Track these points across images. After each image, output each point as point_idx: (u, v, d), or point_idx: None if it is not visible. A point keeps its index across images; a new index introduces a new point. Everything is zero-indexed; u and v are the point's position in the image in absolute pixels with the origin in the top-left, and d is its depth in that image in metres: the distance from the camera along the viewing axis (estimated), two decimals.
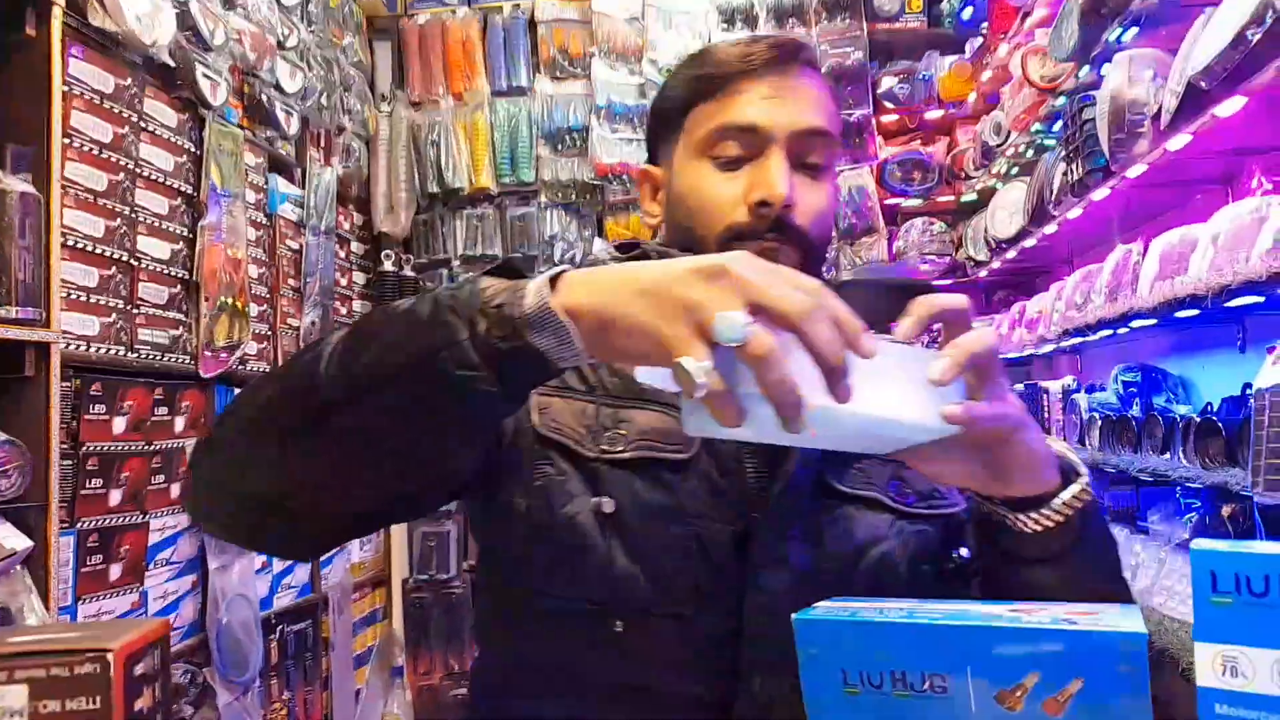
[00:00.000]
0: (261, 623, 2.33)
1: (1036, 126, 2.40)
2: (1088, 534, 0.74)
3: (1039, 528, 0.72)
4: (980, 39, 3.11)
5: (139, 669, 0.51)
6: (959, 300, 0.68)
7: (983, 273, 3.13)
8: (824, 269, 0.97)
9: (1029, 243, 2.60)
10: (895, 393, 0.61)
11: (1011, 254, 2.78)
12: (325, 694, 2.68)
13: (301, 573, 2.59)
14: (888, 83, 3.33)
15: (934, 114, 3.35)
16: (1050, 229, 2.36)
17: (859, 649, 0.58)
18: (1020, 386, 2.88)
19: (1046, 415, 2.65)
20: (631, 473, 0.81)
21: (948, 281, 3.31)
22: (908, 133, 3.42)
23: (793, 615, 0.59)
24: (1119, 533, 2.19)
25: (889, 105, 3.35)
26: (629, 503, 0.80)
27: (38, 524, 1.62)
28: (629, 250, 0.95)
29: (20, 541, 1.55)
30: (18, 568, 1.57)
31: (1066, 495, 0.73)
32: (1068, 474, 0.75)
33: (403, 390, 0.64)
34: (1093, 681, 0.54)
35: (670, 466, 0.82)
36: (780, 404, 0.55)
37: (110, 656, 0.49)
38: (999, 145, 2.72)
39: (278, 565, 2.49)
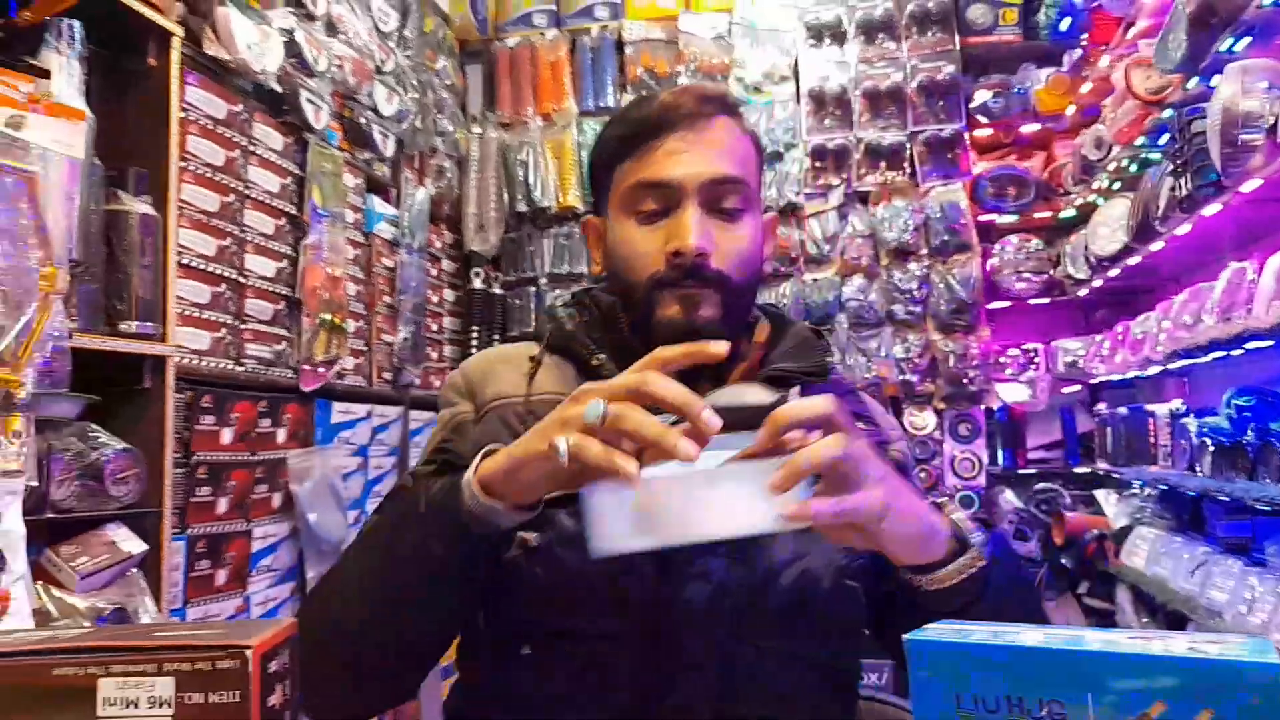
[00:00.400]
0: None
1: (1141, 140, 2.33)
2: (988, 594, 0.80)
3: (932, 589, 0.79)
4: (1079, 50, 3.03)
5: (273, 666, 0.54)
6: (815, 408, 0.73)
7: (1083, 291, 3.04)
8: (751, 309, 1.03)
9: (1133, 260, 2.51)
10: (744, 494, 0.69)
11: (1114, 272, 2.69)
12: (416, 704, 2.73)
13: None
14: (981, 97, 3.27)
15: (1030, 128, 3.27)
16: (1156, 246, 2.28)
17: (974, 673, 0.56)
18: (1124, 410, 2.78)
19: (1153, 440, 2.55)
20: (554, 508, 0.87)
21: (1045, 300, 3.22)
22: (1002, 147, 3.35)
23: (904, 636, 0.58)
24: (1232, 564, 2.09)
25: (982, 120, 3.29)
26: (553, 535, 0.88)
27: (152, 529, 1.69)
28: (580, 298, 1.05)
29: (137, 545, 1.62)
30: (134, 570, 1.65)
31: (952, 568, 0.79)
32: (964, 540, 0.81)
33: (420, 592, 0.85)
34: (1222, 713, 0.51)
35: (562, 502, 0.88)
36: (649, 437, 0.69)
37: (249, 653, 0.51)
38: (1100, 160, 2.64)
39: None
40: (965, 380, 3.16)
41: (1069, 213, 3.08)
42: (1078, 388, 3.30)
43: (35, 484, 1.30)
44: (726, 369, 0.95)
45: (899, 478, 0.77)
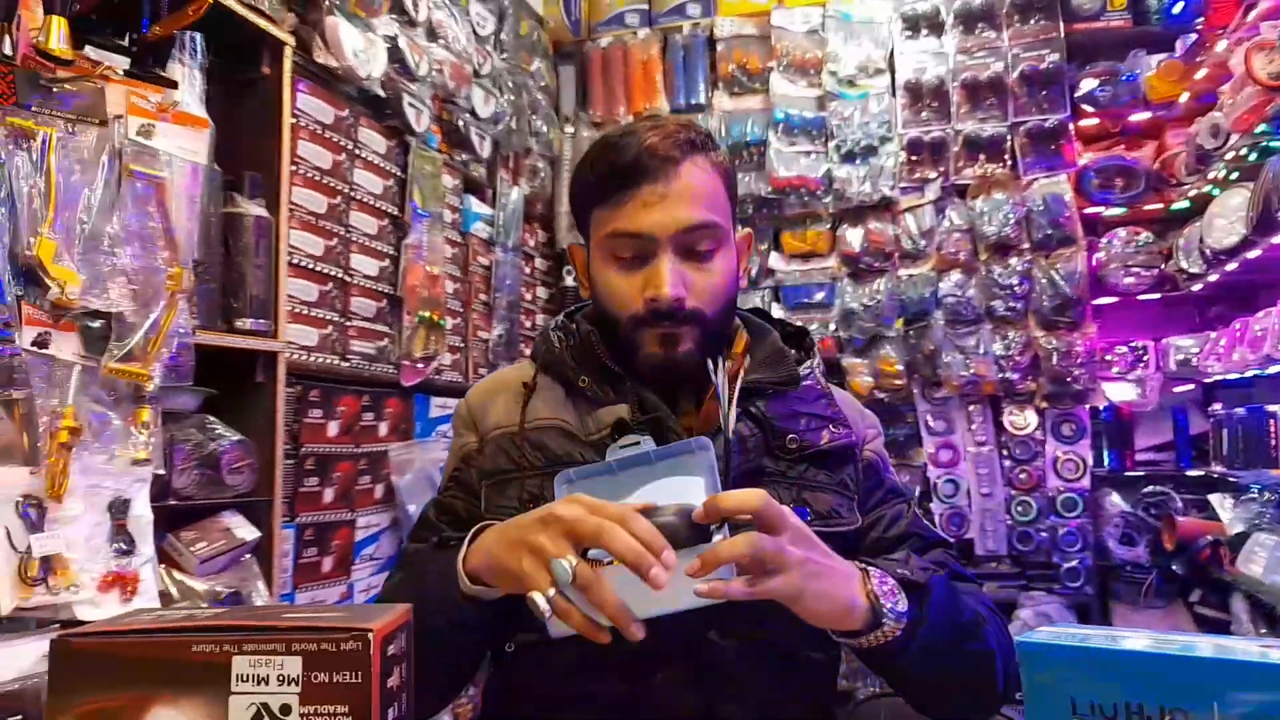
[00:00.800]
0: None
1: (1262, 127, 2.21)
2: (911, 652, 0.88)
3: (857, 649, 0.89)
4: (1194, 35, 2.89)
5: (391, 649, 0.56)
6: (746, 503, 0.81)
7: (1197, 286, 2.90)
8: (728, 329, 1.09)
9: (1252, 254, 2.39)
10: (675, 578, 0.78)
11: (1231, 265, 2.56)
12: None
13: None
14: (1087, 85, 3.15)
15: (1139, 116, 3.14)
16: (1278, 238, 2.16)
17: (1092, 677, 0.55)
18: (1242, 411, 2.65)
19: (1273, 442, 2.42)
20: None
21: (1156, 296, 3.09)
22: (1109, 137, 3.22)
23: (1016, 639, 0.57)
24: None
25: (1088, 109, 3.16)
26: None
27: (264, 517, 1.77)
28: (567, 321, 1.13)
29: (251, 532, 1.70)
30: (248, 556, 1.73)
31: (869, 637, 0.87)
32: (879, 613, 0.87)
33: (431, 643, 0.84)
34: None
35: None
36: (609, 614, 0.78)
37: (371, 636, 0.53)
38: (1217, 148, 2.52)
39: None
40: (1069, 379, 3.05)
41: (1182, 204, 2.94)
42: (1190, 387, 3.15)
43: (161, 472, 1.37)
44: (704, 385, 1.02)
45: (819, 561, 0.84)
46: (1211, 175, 2.62)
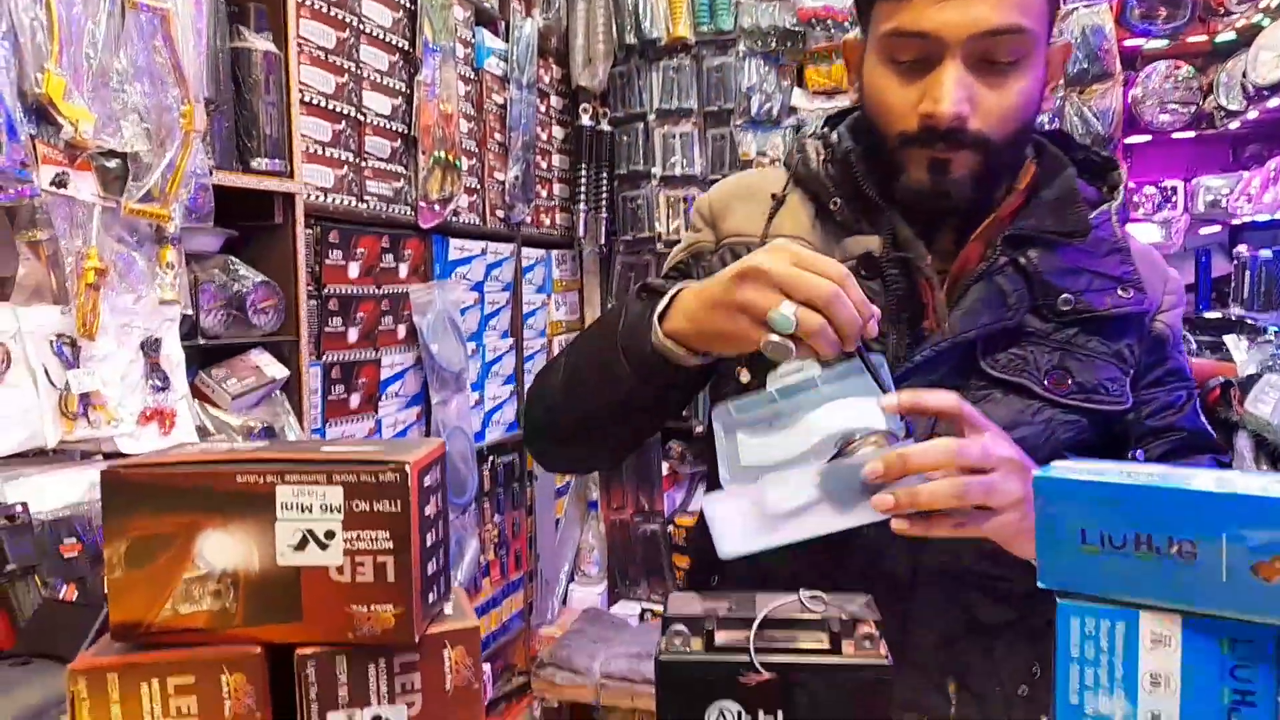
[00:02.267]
0: (475, 453, 2.55)
1: None
2: None
3: None
4: None
5: (427, 480, 0.58)
6: (941, 403, 0.76)
7: (1234, 124, 2.80)
8: (1016, 162, 0.95)
9: None
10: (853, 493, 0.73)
11: (1274, 102, 2.46)
12: (530, 519, 2.92)
13: (509, 411, 2.79)
14: None
15: None
16: None
17: (1102, 509, 0.57)
18: (1268, 253, 2.61)
19: None
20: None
21: (1191, 135, 2.99)
22: None
23: (1034, 473, 0.59)
24: None
25: None
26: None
27: (291, 356, 1.81)
28: (837, 121, 1.00)
29: (279, 370, 1.74)
30: (278, 393, 1.78)
31: None
32: None
33: (616, 413, 0.92)
34: None
35: None
36: (846, 325, 0.72)
37: (408, 467, 0.55)
38: None
39: (489, 402, 2.68)
40: None
41: (1227, 36, 2.80)
42: (1217, 229, 3.10)
43: (189, 312, 1.39)
44: (973, 222, 0.92)
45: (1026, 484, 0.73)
46: (1263, 4, 2.47)
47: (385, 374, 2.19)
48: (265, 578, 0.56)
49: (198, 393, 1.64)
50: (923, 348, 0.90)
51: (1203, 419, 0.98)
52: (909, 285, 0.92)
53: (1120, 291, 0.92)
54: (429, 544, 0.59)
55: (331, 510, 0.55)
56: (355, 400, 2.09)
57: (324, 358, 1.98)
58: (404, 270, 2.25)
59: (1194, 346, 3.01)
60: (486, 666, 2.62)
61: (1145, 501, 0.55)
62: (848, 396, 0.76)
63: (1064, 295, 0.90)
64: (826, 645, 0.61)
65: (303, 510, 0.56)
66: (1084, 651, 0.58)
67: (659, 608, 2.97)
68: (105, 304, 1.16)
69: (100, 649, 0.58)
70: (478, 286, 2.60)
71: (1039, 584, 0.59)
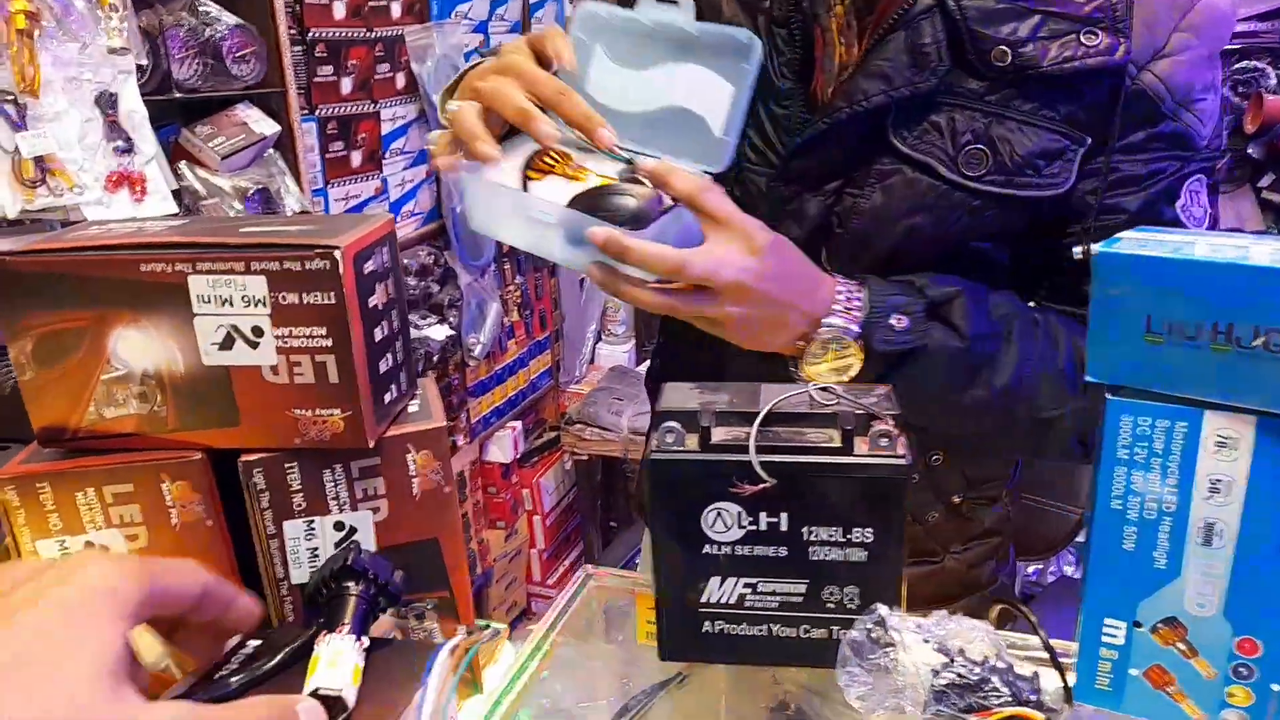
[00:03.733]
0: None
1: None
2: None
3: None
4: None
5: (368, 266, 0.50)
6: (685, 185, 0.66)
7: None
8: None
9: None
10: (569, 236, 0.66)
11: None
12: (553, 280, 2.87)
13: None
14: None
15: None
16: None
17: (1176, 292, 0.47)
18: None
19: None
20: None
21: None
22: None
23: (1094, 248, 0.48)
24: None
25: None
26: None
27: (279, 109, 1.68)
28: None
29: (269, 126, 1.62)
30: (271, 151, 1.66)
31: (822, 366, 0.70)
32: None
33: None
34: None
35: None
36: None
37: (338, 254, 0.46)
38: None
39: None
40: None
41: None
42: None
43: (144, 62, 1.25)
44: None
45: (762, 296, 0.67)
46: None
47: (386, 128, 2.05)
48: (193, 379, 0.49)
49: (183, 154, 1.54)
50: (814, 119, 0.76)
51: (1183, 209, 0.77)
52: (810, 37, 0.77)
53: (1083, 39, 0.70)
54: (378, 339, 0.51)
55: (255, 303, 0.47)
56: (357, 158, 1.97)
57: (317, 111, 1.84)
58: (397, 9, 2.04)
59: (1272, 81, 2.74)
60: (518, 424, 2.67)
61: (1232, 284, 0.45)
62: (709, 68, 0.69)
63: (999, 46, 0.71)
64: (838, 443, 0.54)
65: (222, 303, 0.47)
66: (1133, 454, 0.51)
67: None
68: (45, 54, 1.03)
69: (29, 456, 0.52)
70: (481, 27, 2.38)
71: (1087, 377, 0.51)
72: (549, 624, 0.67)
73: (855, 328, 0.70)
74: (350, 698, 0.42)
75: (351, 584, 0.47)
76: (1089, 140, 0.73)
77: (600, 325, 3.17)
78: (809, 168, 0.78)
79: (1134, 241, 0.49)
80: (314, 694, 0.42)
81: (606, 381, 2.88)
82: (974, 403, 0.74)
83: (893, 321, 0.71)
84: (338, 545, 0.52)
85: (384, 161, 2.06)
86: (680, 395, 0.58)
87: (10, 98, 1.02)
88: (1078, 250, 0.55)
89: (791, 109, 0.78)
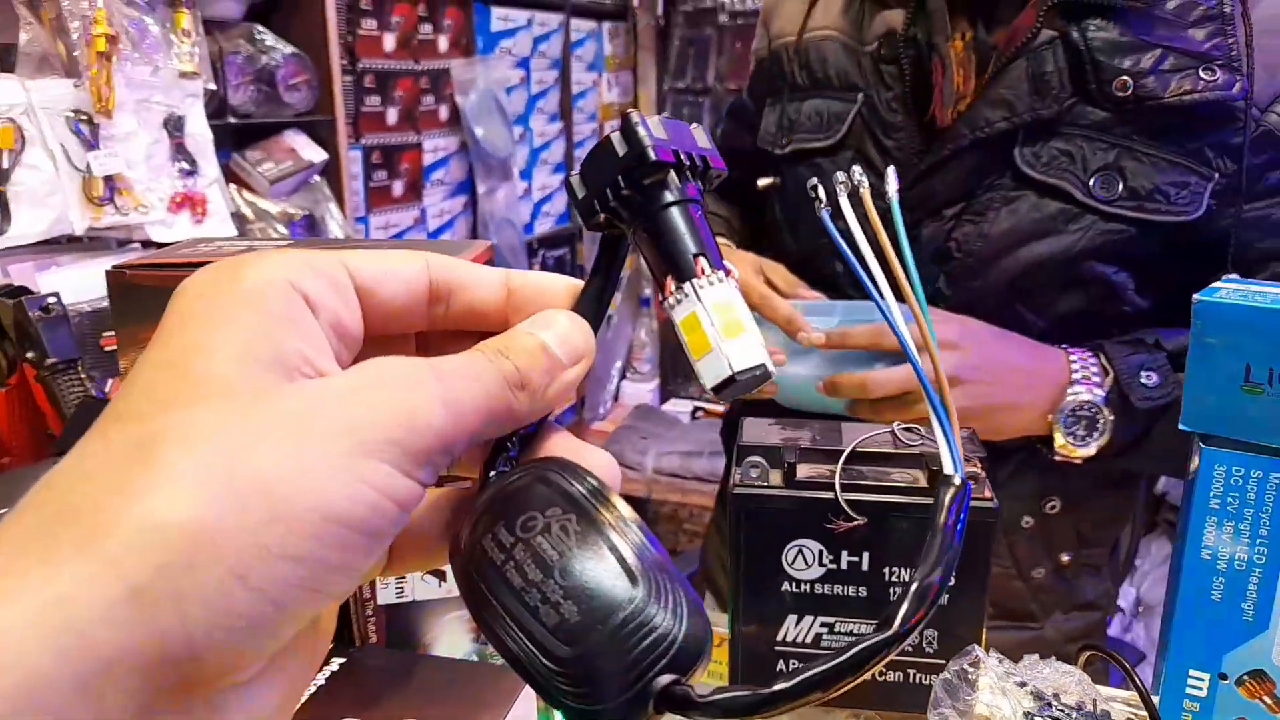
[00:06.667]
0: (525, 246, 2.47)
1: None
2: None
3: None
4: None
5: None
6: (896, 383, 0.71)
7: None
8: None
9: None
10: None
11: None
12: None
13: (560, 202, 2.68)
14: None
15: None
16: None
17: (1275, 342, 0.47)
18: None
19: None
20: (796, 161, 0.87)
21: None
22: None
23: (1195, 296, 0.49)
24: None
25: None
26: (790, 184, 0.88)
27: (329, 138, 1.71)
28: None
29: (317, 153, 1.64)
30: (317, 178, 1.69)
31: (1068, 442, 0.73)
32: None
33: None
34: None
35: (822, 153, 0.85)
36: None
37: None
38: None
39: (538, 192, 2.57)
40: None
41: None
42: None
43: (213, 87, 1.28)
44: None
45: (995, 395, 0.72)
46: None
47: (428, 160, 2.08)
48: None
49: (232, 177, 1.56)
50: (932, 148, 0.78)
51: None
52: (926, 69, 0.79)
53: (1202, 73, 0.72)
54: None
55: None
56: (399, 187, 2.00)
57: (363, 140, 1.87)
58: (444, 43, 2.08)
59: None
60: None
61: None
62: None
63: (1121, 77, 0.73)
64: (923, 484, 0.54)
65: None
66: (1225, 503, 0.51)
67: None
68: (120, 76, 1.06)
69: None
70: (523, 63, 2.42)
71: (1180, 426, 0.51)
72: None
73: (1101, 392, 0.73)
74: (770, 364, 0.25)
75: (665, 189, 0.25)
76: (1216, 175, 0.74)
77: (626, 361, 3.18)
78: (928, 195, 0.79)
79: (1234, 291, 0.50)
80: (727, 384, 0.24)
81: (631, 420, 2.88)
82: None
83: (1143, 379, 0.73)
84: None
85: (424, 191, 2.09)
86: (761, 430, 0.58)
87: (85, 117, 1.05)
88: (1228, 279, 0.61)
89: (903, 140, 0.80)
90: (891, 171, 0.33)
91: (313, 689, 0.47)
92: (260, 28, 1.55)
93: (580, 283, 0.27)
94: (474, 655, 0.55)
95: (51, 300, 1.03)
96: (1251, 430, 0.49)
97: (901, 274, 0.30)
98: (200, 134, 1.22)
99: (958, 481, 0.29)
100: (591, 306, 0.26)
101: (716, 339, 0.25)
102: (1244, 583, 0.51)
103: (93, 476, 0.18)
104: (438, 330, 0.25)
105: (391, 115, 1.94)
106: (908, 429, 0.57)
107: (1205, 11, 0.74)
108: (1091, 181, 0.75)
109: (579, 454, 0.24)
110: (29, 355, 0.91)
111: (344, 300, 0.22)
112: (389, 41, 1.90)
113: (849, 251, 0.31)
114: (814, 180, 0.30)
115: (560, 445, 0.25)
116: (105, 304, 1.11)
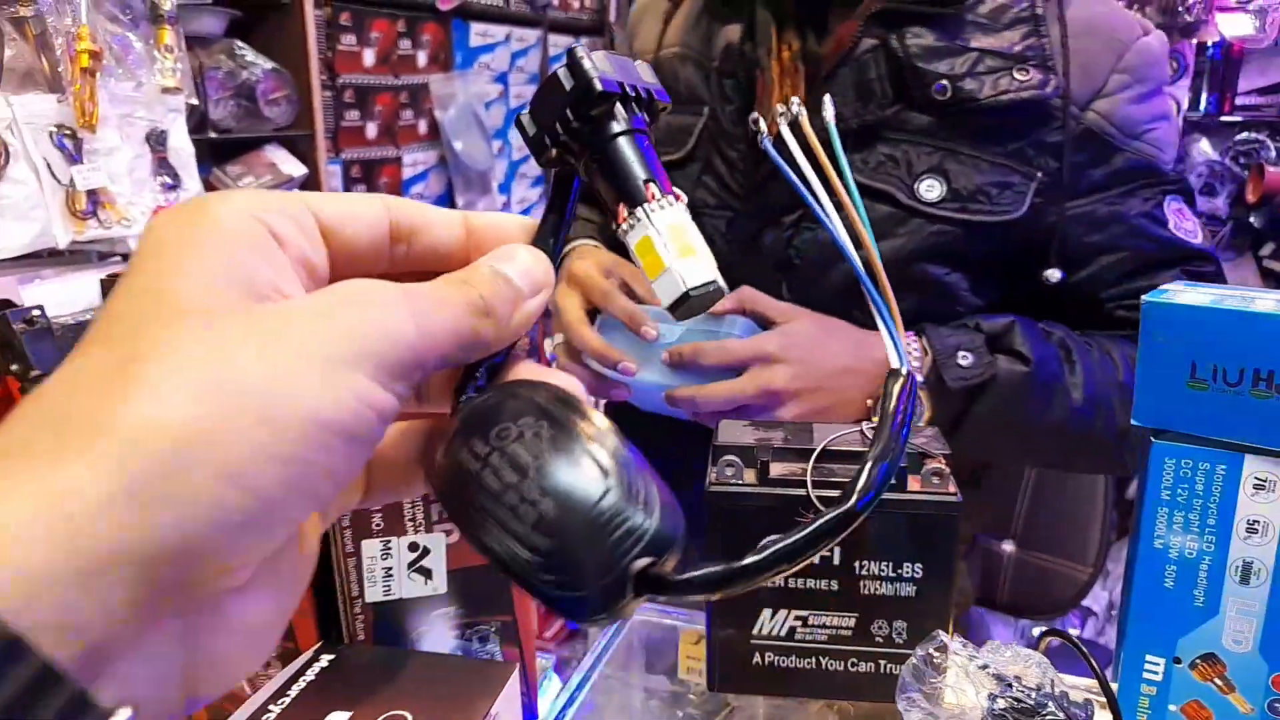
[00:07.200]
0: None
1: None
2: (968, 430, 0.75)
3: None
4: None
5: None
6: (738, 352, 0.73)
7: None
8: None
9: None
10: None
11: None
12: None
13: (538, 215, 2.70)
14: None
15: None
16: None
17: (1219, 341, 0.50)
18: None
19: None
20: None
21: None
22: None
23: (1143, 297, 0.51)
24: None
25: None
26: None
27: (307, 151, 1.72)
28: None
29: (296, 168, 1.66)
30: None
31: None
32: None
33: None
34: None
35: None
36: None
37: None
38: None
39: (516, 206, 2.59)
40: (1181, 7, 2.73)
41: None
42: None
43: (195, 102, 1.30)
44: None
45: (820, 392, 0.73)
46: None
47: (407, 173, 2.10)
48: None
49: (213, 191, 1.57)
50: (766, 158, 0.80)
51: (1175, 227, 0.80)
52: (748, 94, 0.81)
53: (1016, 74, 0.75)
54: None
55: None
56: None
57: (342, 154, 1.89)
58: (423, 58, 2.10)
59: (1272, 153, 2.82)
60: None
61: (1272, 333, 0.48)
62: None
63: (940, 80, 0.75)
64: (892, 481, 0.56)
65: None
66: (1176, 494, 0.53)
67: None
68: (103, 91, 1.07)
69: None
70: (501, 78, 2.44)
71: (1132, 421, 0.54)
72: (595, 655, 0.69)
73: (919, 374, 0.73)
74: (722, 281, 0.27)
75: (612, 119, 0.27)
76: (1039, 174, 0.77)
77: None
78: (766, 203, 0.81)
79: (1179, 292, 0.53)
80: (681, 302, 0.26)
81: None
82: (1054, 425, 0.76)
83: (959, 359, 0.73)
84: (410, 565, 0.54)
85: None
86: (736, 431, 0.60)
87: (69, 132, 1.06)
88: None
89: (743, 151, 0.82)
90: (828, 99, 0.37)
91: (302, 685, 0.49)
92: (241, 44, 1.56)
93: (536, 221, 0.28)
94: (459, 651, 0.56)
95: (35, 313, 1.04)
96: (1199, 425, 0.51)
97: (840, 185, 0.33)
98: (182, 148, 1.23)
99: (904, 372, 0.31)
100: (548, 241, 0.27)
101: (670, 259, 0.26)
102: (1194, 570, 0.53)
103: (82, 388, 0.18)
104: (400, 271, 0.25)
105: (371, 130, 1.96)
106: (876, 429, 0.59)
107: (1018, 14, 0.77)
108: (916, 185, 0.77)
109: (545, 378, 0.25)
110: (13, 368, 0.92)
111: (309, 238, 0.23)
112: (368, 57, 1.92)
113: (790, 172, 0.34)
114: (755, 115, 0.33)
115: (526, 372, 0.26)
116: (89, 317, 1.12)
